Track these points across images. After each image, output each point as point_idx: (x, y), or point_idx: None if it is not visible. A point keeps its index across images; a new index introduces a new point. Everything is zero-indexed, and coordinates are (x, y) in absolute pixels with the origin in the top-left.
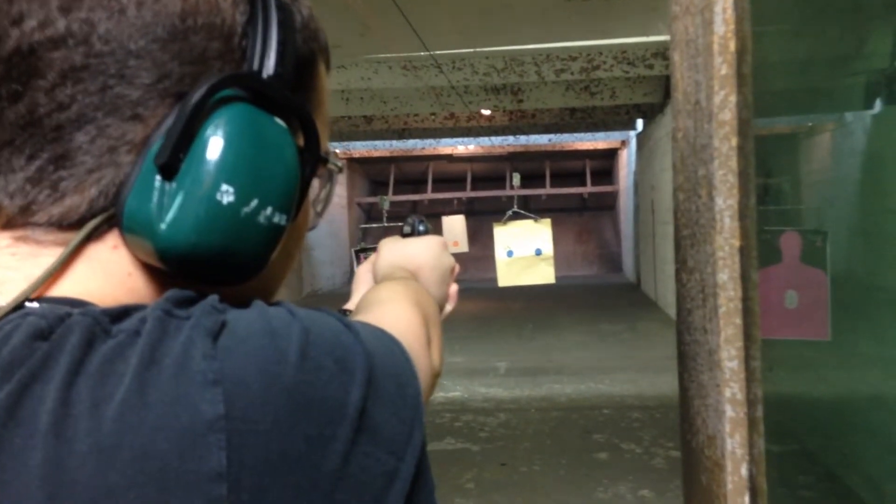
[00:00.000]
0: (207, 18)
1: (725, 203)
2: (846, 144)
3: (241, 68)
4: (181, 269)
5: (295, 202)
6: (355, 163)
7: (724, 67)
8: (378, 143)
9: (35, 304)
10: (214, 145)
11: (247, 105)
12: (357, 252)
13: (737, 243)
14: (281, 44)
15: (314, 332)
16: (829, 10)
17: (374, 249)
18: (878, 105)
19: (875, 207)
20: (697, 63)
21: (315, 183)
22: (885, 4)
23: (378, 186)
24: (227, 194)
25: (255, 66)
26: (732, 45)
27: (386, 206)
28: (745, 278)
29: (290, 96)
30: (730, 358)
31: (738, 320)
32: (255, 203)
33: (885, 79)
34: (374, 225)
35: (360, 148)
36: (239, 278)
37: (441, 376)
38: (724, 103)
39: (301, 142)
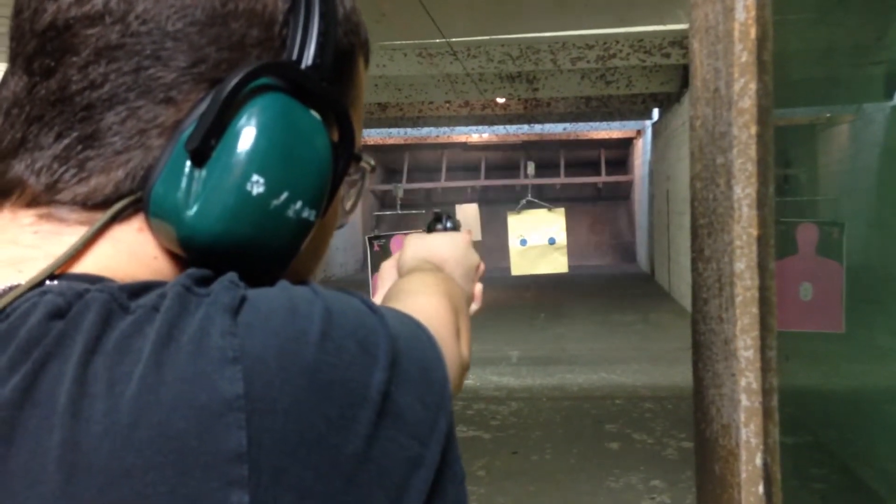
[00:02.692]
0: (249, 4)
1: (744, 192)
2: (865, 135)
3: (279, 57)
4: (204, 259)
5: (326, 198)
6: (369, 150)
7: (744, 55)
8: (392, 130)
9: (55, 282)
10: (247, 134)
11: (283, 95)
12: (370, 239)
13: (755, 232)
14: (322, 35)
15: (337, 312)
16: (850, 0)
17: (387, 237)
18: None
19: (893, 199)
20: (717, 50)
21: (345, 180)
22: None
23: (392, 174)
24: (257, 185)
25: (294, 55)
26: (753, 32)
27: (400, 193)
28: (762, 267)
29: (328, 89)
30: (745, 347)
31: (755, 309)
32: (285, 196)
33: None
34: (388, 212)
35: (375, 135)
36: (262, 273)
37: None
38: (744, 91)
39: (335, 136)
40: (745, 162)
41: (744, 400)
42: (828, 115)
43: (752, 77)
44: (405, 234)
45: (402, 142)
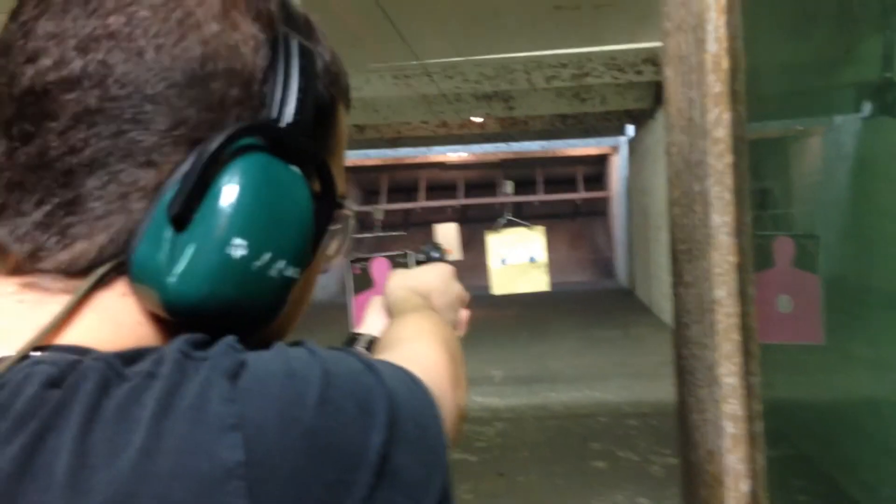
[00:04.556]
0: (228, 64)
1: (721, 220)
2: (836, 147)
3: (259, 114)
4: (188, 322)
5: (308, 253)
6: (347, 172)
7: (717, 85)
8: (370, 151)
9: (46, 353)
10: (228, 197)
11: (263, 155)
12: (351, 262)
13: (734, 259)
14: (301, 91)
15: (335, 373)
16: (820, 14)
17: (367, 259)
18: (867, 108)
19: (865, 210)
20: (691, 80)
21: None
22: (880, 9)
23: (370, 195)
24: (239, 248)
25: (274, 113)
26: (725, 63)
27: (380, 216)
28: (742, 294)
29: (308, 144)
30: (729, 374)
31: (737, 336)
32: (267, 257)
33: (875, 89)
34: (367, 235)
35: (352, 157)
36: (247, 332)
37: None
38: (718, 121)
39: (317, 187)
40: (722, 191)
41: (728, 427)
42: (799, 127)
43: (726, 107)
44: (385, 255)
45: (379, 163)
